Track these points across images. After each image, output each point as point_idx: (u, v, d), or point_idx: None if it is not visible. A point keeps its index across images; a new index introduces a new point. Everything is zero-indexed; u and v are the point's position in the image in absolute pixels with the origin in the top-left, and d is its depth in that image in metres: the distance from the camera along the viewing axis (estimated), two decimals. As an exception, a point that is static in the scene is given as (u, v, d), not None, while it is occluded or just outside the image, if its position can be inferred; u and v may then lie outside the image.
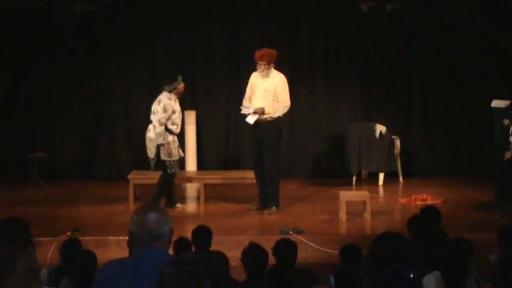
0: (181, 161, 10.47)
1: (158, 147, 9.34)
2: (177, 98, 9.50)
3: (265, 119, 9.27)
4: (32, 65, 12.20)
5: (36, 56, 12.18)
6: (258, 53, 9.37)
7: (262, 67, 9.30)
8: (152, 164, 9.48)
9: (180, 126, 9.57)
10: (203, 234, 6.04)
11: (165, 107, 9.37)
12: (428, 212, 6.60)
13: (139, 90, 12.38)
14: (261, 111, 9.25)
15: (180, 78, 9.51)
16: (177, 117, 9.44)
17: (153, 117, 9.43)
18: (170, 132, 9.41)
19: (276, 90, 9.28)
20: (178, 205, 9.93)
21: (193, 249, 5.99)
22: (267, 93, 9.29)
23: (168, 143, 9.34)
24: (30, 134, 12.16)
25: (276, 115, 9.28)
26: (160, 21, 12.32)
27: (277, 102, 9.29)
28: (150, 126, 9.47)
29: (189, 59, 12.31)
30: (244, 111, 9.43)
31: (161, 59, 12.29)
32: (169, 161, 9.42)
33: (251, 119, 9.30)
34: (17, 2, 12.14)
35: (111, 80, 12.45)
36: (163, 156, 9.37)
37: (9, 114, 12.20)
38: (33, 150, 11.48)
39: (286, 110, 9.44)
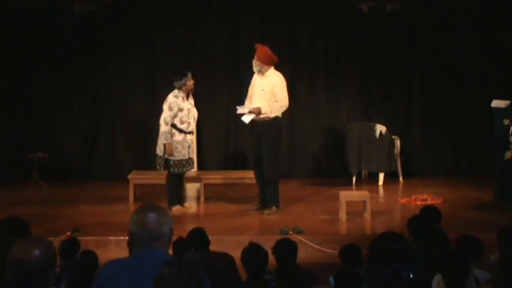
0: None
1: (165, 146, 9.38)
2: (187, 95, 9.49)
3: (263, 118, 9.24)
4: (32, 65, 12.20)
5: (36, 56, 12.18)
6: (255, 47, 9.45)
7: (255, 63, 9.32)
8: (160, 161, 9.49)
9: (191, 123, 9.54)
10: (197, 234, 6.03)
11: (170, 105, 9.37)
12: (428, 211, 6.60)
13: (140, 90, 12.39)
14: (257, 112, 9.23)
15: (189, 74, 9.48)
16: (185, 115, 9.41)
17: None
18: (181, 131, 9.41)
19: (273, 89, 9.26)
20: (186, 204, 9.95)
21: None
22: (264, 92, 9.27)
23: (170, 144, 9.34)
24: (30, 134, 12.16)
25: (272, 115, 9.25)
26: (160, 21, 12.32)
27: (275, 101, 9.26)
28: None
29: (189, 59, 12.29)
30: (239, 111, 9.42)
31: (161, 59, 12.29)
32: (173, 160, 9.42)
33: (246, 119, 9.31)
34: (17, 2, 12.14)
35: (111, 80, 12.45)
36: (166, 155, 9.40)
37: (9, 114, 12.19)
38: (33, 150, 11.49)
39: (283, 109, 9.40)
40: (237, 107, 9.52)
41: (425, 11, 12.44)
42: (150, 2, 12.34)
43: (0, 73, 12.19)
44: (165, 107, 9.39)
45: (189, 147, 9.52)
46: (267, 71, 9.31)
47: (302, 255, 6.24)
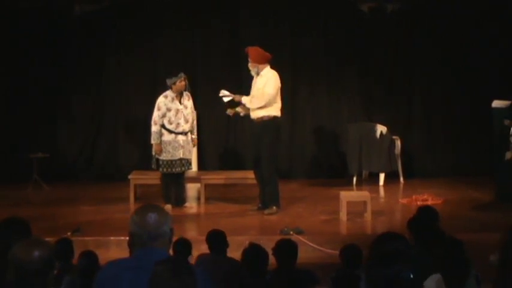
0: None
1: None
2: (179, 95, 9.50)
3: (262, 118, 9.27)
4: (32, 65, 12.19)
5: (36, 56, 12.17)
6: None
7: (251, 66, 9.37)
8: (154, 161, 9.56)
9: (181, 124, 9.49)
10: (218, 237, 6.02)
11: (158, 105, 9.47)
12: (425, 211, 6.57)
13: (140, 91, 12.38)
14: (238, 99, 9.42)
15: (181, 75, 9.47)
16: (173, 115, 9.44)
17: None
18: (170, 131, 9.42)
19: (265, 86, 9.31)
20: (187, 205, 9.96)
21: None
22: (258, 91, 9.31)
23: (157, 144, 9.38)
24: (31, 134, 12.15)
25: (253, 106, 9.28)
26: (160, 21, 12.32)
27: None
28: None
29: (190, 59, 12.29)
30: (222, 93, 9.64)
31: (161, 59, 12.29)
32: (162, 160, 9.49)
33: (226, 99, 9.65)
34: (17, 2, 12.14)
35: (112, 80, 12.46)
36: (155, 155, 9.49)
37: (9, 114, 12.19)
38: (33, 150, 11.49)
39: (262, 104, 9.26)
40: (221, 90, 9.69)
41: (425, 11, 12.43)
42: (150, 3, 12.35)
43: (1, 73, 12.18)
44: (155, 107, 9.44)
45: (182, 147, 9.51)
46: (262, 70, 9.34)
47: (302, 255, 6.23)
